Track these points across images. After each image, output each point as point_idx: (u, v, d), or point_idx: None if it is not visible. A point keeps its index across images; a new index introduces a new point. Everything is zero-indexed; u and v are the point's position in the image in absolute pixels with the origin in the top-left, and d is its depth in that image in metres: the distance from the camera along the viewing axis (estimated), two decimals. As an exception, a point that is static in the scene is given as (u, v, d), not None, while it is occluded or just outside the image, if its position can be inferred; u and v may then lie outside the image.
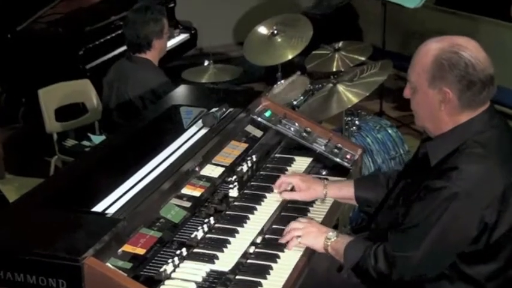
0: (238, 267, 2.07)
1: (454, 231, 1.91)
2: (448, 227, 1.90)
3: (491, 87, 1.96)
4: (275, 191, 2.42)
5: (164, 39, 3.48)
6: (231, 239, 2.14)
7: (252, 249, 2.17)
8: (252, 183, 2.50)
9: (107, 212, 1.99)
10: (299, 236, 2.16)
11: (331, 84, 3.59)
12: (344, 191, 2.40)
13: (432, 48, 1.97)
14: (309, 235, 2.16)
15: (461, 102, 1.96)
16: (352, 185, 2.40)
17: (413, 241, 1.93)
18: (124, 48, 3.65)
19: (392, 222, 2.07)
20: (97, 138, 3.87)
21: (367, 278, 2.04)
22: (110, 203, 2.03)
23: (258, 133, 2.72)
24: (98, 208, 2.01)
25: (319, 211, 2.42)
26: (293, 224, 2.21)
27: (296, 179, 2.41)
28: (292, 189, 2.42)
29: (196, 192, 2.26)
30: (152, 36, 3.41)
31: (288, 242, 2.17)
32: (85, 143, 3.96)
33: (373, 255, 2.01)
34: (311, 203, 2.45)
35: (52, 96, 4.01)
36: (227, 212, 2.30)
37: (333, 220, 2.52)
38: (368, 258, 2.02)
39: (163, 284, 1.91)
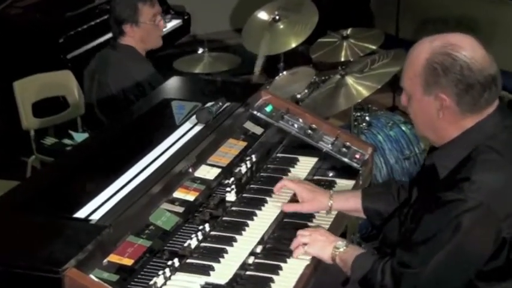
0: (236, 280, 2.07)
1: (468, 248, 1.90)
2: (460, 243, 1.88)
3: (493, 87, 1.94)
4: (276, 194, 2.42)
5: (143, 28, 3.40)
6: (228, 248, 2.14)
7: (251, 260, 2.17)
8: (252, 186, 2.50)
9: (90, 218, 1.99)
10: (305, 244, 2.17)
11: (338, 76, 3.59)
12: (351, 202, 2.39)
13: (423, 50, 1.96)
14: (315, 243, 2.17)
15: (461, 108, 1.95)
16: (360, 195, 2.39)
17: (421, 257, 1.93)
18: (110, 35, 3.64)
19: (401, 236, 2.08)
20: (79, 136, 3.86)
21: None
22: (94, 209, 2.03)
23: (257, 130, 2.71)
24: (81, 214, 2.01)
25: (325, 217, 2.42)
26: (301, 231, 2.22)
27: (299, 187, 2.40)
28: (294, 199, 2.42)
29: (190, 196, 2.26)
30: (123, 19, 3.38)
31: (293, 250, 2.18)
32: (66, 141, 3.96)
33: (380, 271, 2.01)
34: (316, 209, 2.45)
35: (29, 89, 4.01)
36: (224, 218, 2.29)
37: (341, 227, 2.52)
38: (375, 273, 2.02)
39: (153, 298, 1.91)
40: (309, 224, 2.36)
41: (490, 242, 1.89)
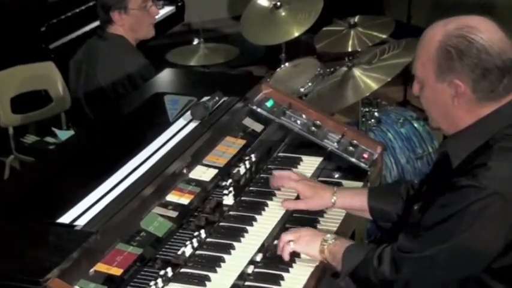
0: (235, 291, 2.07)
1: (476, 239, 1.90)
2: (468, 234, 1.89)
3: None
4: (277, 197, 2.42)
5: (132, 15, 3.40)
6: (225, 256, 2.14)
7: (250, 269, 2.17)
8: (251, 188, 2.50)
9: (75, 223, 1.98)
10: (292, 241, 2.18)
11: (345, 68, 3.59)
12: (357, 199, 2.40)
13: (437, 33, 1.96)
14: (302, 239, 2.18)
15: (478, 95, 1.96)
16: (366, 194, 2.40)
17: (424, 242, 1.95)
18: (97, 23, 3.63)
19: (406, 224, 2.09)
20: (63, 134, 3.85)
21: (366, 286, 2.06)
22: (80, 213, 2.02)
23: (257, 127, 2.71)
24: (65, 219, 2.00)
25: (331, 221, 2.43)
26: (284, 234, 2.23)
27: (300, 184, 2.42)
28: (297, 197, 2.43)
29: (184, 200, 2.26)
30: (110, 5, 3.38)
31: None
32: (49, 139, 3.95)
33: (376, 257, 2.02)
34: (321, 212, 2.45)
35: (8, 82, 3.99)
36: (221, 224, 2.30)
37: (348, 232, 2.53)
38: (370, 262, 2.03)
39: (144, 311, 1.92)
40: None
41: (501, 236, 1.89)
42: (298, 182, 2.43)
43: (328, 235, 2.17)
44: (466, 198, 1.89)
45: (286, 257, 2.18)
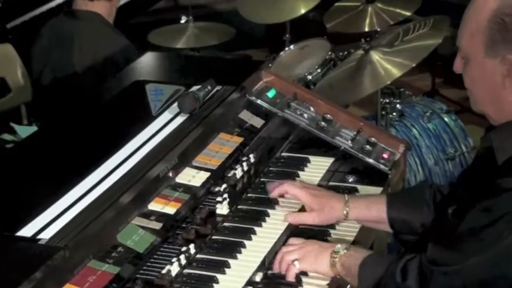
0: (230, 317, 2.08)
1: None
2: None
3: None
4: (280, 206, 2.43)
5: None
6: (219, 276, 2.14)
7: (249, 291, 2.18)
8: (249, 195, 2.51)
9: (39, 237, 1.98)
10: (296, 260, 2.18)
11: (361, 51, 3.60)
12: (374, 210, 2.41)
13: None
14: (308, 255, 2.19)
15: None
16: (385, 202, 2.40)
17: (461, 253, 1.96)
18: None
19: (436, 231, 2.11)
20: (24, 130, 3.83)
21: None
22: (44, 225, 2.02)
23: (257, 122, 2.72)
24: (26, 232, 2.00)
25: (344, 235, 2.42)
26: (284, 248, 2.24)
27: (304, 194, 2.41)
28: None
29: (170, 209, 2.26)
30: None
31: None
32: (6, 136, 3.94)
33: (399, 271, 2.03)
34: (333, 224, 2.44)
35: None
36: (214, 237, 2.30)
37: (365, 247, 2.51)
38: (392, 276, 2.04)
39: None
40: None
41: None
42: (302, 190, 2.43)
43: (338, 245, 2.18)
44: None
45: (292, 279, 2.18)
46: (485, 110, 2.09)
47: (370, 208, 2.41)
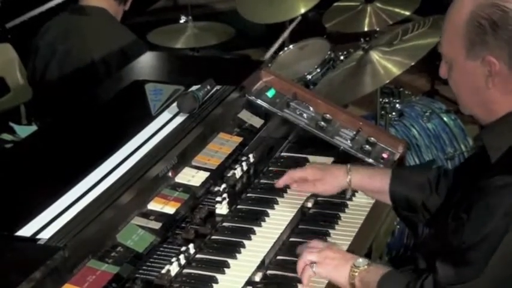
0: (229, 317, 2.08)
1: None
2: None
3: None
4: (279, 205, 2.43)
5: None
6: (218, 276, 2.14)
7: (248, 291, 2.17)
8: (249, 195, 2.51)
9: (38, 237, 1.98)
10: (314, 263, 2.17)
11: (361, 51, 3.59)
12: (377, 180, 2.43)
13: (466, 3, 1.97)
14: (328, 263, 2.18)
15: None
16: (389, 174, 2.42)
17: (472, 266, 1.94)
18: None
19: (441, 243, 2.09)
20: (23, 130, 3.84)
21: None
22: (43, 225, 2.02)
23: (256, 122, 2.72)
24: (25, 232, 1.99)
25: (343, 234, 2.43)
26: (308, 248, 2.22)
27: (306, 169, 2.47)
28: None
29: (169, 208, 2.26)
30: None
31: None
32: (5, 136, 3.94)
33: None
34: (332, 224, 2.46)
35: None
36: (213, 237, 2.30)
37: (364, 248, 2.52)
38: None
39: None
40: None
41: None
42: (303, 168, 2.47)
43: (360, 259, 2.16)
44: (510, 197, 1.90)
45: (306, 282, 2.16)
46: (474, 112, 2.09)
47: (373, 178, 2.44)
